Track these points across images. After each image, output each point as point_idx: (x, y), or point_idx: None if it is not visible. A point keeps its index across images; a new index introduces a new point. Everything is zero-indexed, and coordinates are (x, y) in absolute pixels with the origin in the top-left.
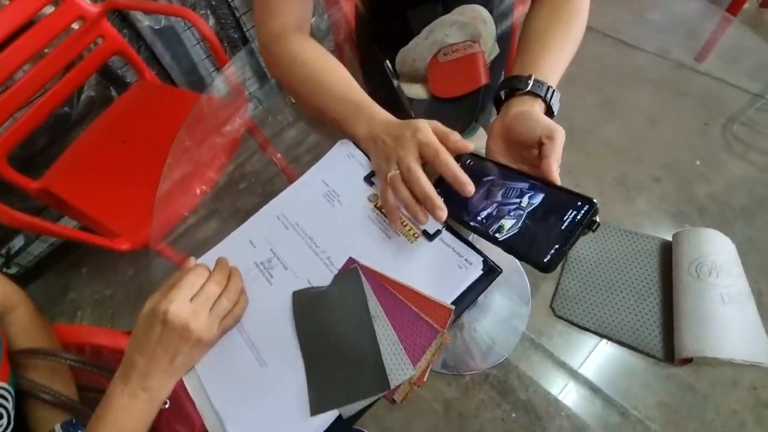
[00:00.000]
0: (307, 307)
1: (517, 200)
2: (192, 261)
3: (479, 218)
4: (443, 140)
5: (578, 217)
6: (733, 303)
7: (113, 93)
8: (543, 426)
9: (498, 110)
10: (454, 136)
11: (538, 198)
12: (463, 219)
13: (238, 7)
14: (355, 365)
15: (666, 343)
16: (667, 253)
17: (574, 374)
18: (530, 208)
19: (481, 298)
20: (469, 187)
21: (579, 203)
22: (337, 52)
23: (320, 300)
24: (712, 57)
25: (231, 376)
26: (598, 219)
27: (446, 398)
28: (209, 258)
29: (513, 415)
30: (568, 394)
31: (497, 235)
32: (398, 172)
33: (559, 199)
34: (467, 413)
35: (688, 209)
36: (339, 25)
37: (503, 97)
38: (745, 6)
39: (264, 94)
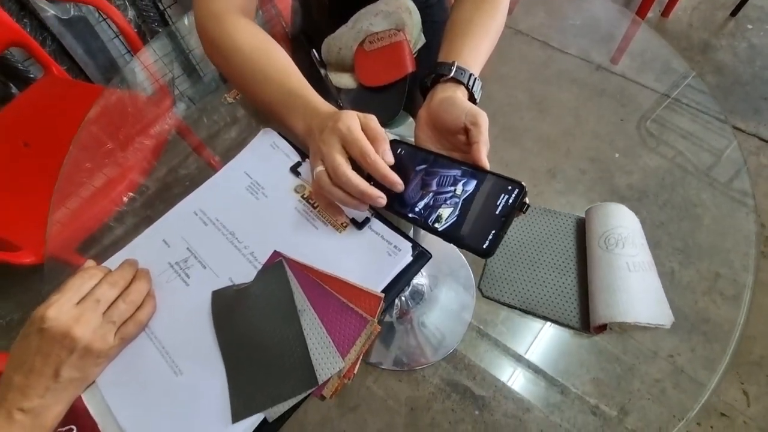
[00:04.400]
0: (228, 307)
1: (452, 188)
2: (89, 263)
3: (417, 209)
4: (372, 140)
5: (510, 200)
6: (638, 271)
7: (13, 90)
8: (491, 411)
9: (424, 98)
10: (384, 144)
11: (472, 184)
12: (401, 212)
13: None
14: (280, 363)
15: (582, 314)
16: (582, 229)
17: (519, 359)
18: (465, 195)
19: (428, 292)
20: (400, 186)
21: (509, 187)
22: None
23: (242, 298)
24: (624, 60)
25: (141, 389)
26: (528, 201)
27: (398, 395)
28: (115, 261)
29: (462, 403)
30: (514, 378)
31: (436, 225)
32: (323, 169)
33: (491, 184)
34: (419, 407)
35: (611, 198)
36: (275, 21)
37: (429, 85)
38: (649, 15)
39: (197, 94)
